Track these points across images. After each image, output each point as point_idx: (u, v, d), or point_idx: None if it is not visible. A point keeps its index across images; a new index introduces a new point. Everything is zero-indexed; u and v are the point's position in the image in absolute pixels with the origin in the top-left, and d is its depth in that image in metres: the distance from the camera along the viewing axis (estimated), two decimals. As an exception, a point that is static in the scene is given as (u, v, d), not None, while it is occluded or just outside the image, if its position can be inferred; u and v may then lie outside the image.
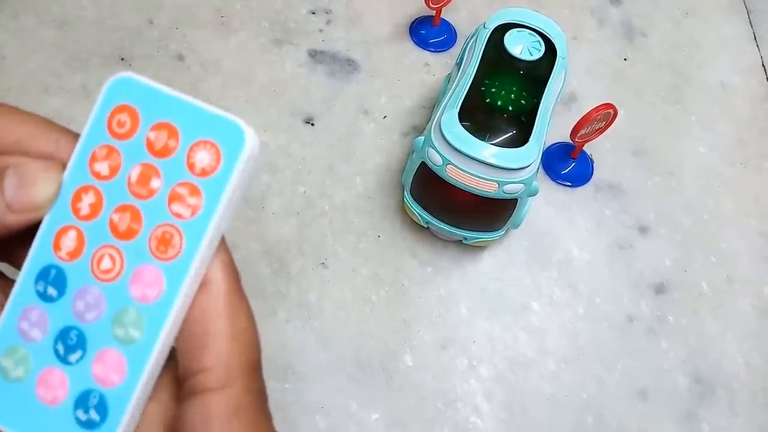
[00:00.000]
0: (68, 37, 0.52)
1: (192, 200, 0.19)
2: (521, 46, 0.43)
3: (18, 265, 0.21)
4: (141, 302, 0.19)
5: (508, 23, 0.44)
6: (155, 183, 0.20)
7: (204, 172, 0.19)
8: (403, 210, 0.48)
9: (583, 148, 0.50)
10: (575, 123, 0.46)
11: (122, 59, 0.51)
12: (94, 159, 0.20)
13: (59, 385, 0.20)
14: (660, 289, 0.47)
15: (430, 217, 0.44)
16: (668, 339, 0.45)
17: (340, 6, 0.57)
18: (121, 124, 0.20)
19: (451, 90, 0.42)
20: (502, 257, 0.47)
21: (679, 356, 0.45)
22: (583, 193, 0.50)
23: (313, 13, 0.56)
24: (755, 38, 0.61)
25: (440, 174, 0.40)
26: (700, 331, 0.46)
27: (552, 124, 0.44)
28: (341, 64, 0.54)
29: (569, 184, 0.50)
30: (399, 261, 0.46)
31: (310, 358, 0.42)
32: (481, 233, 0.44)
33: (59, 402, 0.20)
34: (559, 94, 0.44)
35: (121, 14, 0.54)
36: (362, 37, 0.55)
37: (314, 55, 0.54)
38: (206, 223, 0.19)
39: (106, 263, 0.20)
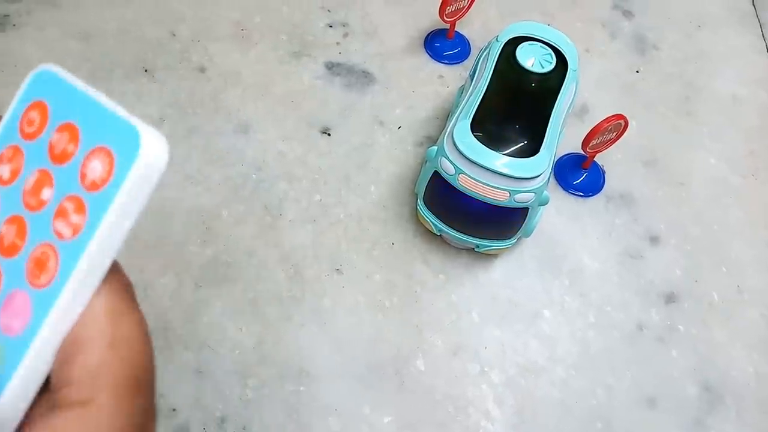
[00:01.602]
0: (93, 49, 0.54)
1: (75, 218, 0.17)
2: (533, 59, 0.44)
3: None
4: (6, 333, 0.17)
5: (520, 36, 0.45)
6: (46, 194, 0.17)
7: (93, 186, 0.17)
8: (416, 218, 0.49)
9: (595, 158, 0.51)
10: (587, 134, 0.46)
11: (145, 70, 0.53)
12: (1, 160, 0.18)
13: None
14: (670, 298, 0.48)
15: (443, 225, 0.45)
16: (678, 348, 0.46)
17: (356, 19, 0.58)
18: (30, 122, 0.18)
19: (463, 101, 0.43)
20: (514, 265, 0.48)
21: (688, 365, 0.45)
22: (594, 203, 0.51)
23: (331, 27, 0.58)
24: (767, 50, 0.61)
25: (453, 183, 0.41)
26: (710, 340, 0.46)
27: (564, 135, 0.45)
28: (357, 76, 0.55)
29: (581, 194, 0.51)
30: (412, 268, 0.47)
31: (324, 361, 0.43)
32: (493, 241, 0.45)
33: None
34: (570, 105, 0.45)
35: (143, 27, 0.56)
36: (378, 50, 0.57)
37: (331, 67, 0.55)
38: (83, 246, 0.16)
39: None
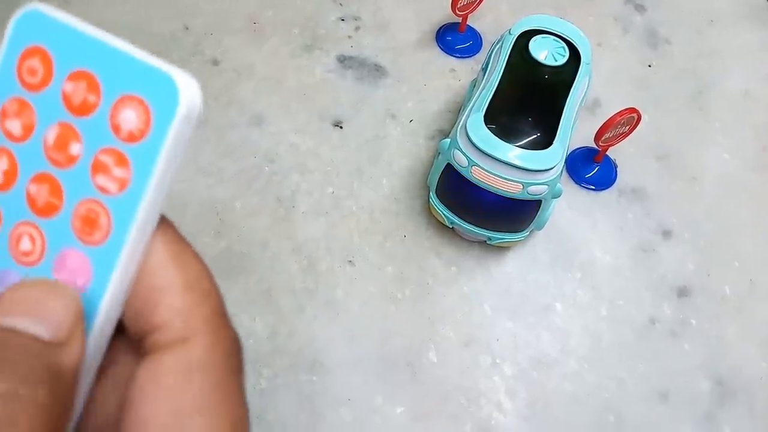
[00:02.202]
0: (108, 42, 0.54)
1: (119, 171, 0.16)
2: (546, 52, 0.44)
3: None
4: None
5: (533, 29, 0.45)
6: (75, 148, 0.17)
7: (132, 137, 0.16)
8: (428, 211, 0.49)
9: (607, 152, 0.51)
10: (599, 127, 0.46)
11: (159, 63, 0.53)
12: (4, 115, 0.17)
13: None
14: (682, 292, 0.48)
15: (455, 217, 0.45)
16: (690, 342, 0.46)
17: (368, 13, 0.58)
18: (32, 72, 0.17)
19: (476, 94, 0.43)
20: (526, 258, 0.48)
21: (700, 359, 0.45)
22: (606, 197, 0.51)
23: (343, 20, 0.58)
24: (780, 46, 0.61)
25: (465, 175, 0.41)
26: (722, 335, 0.46)
27: (576, 128, 0.45)
28: (369, 70, 0.55)
29: (593, 187, 0.51)
30: (424, 260, 0.47)
31: (337, 352, 0.43)
32: (506, 234, 0.45)
33: None
34: (583, 99, 0.45)
35: (156, 20, 0.56)
36: (390, 44, 0.57)
37: (343, 60, 0.56)
38: (137, 200, 0.16)
39: (25, 244, 0.17)
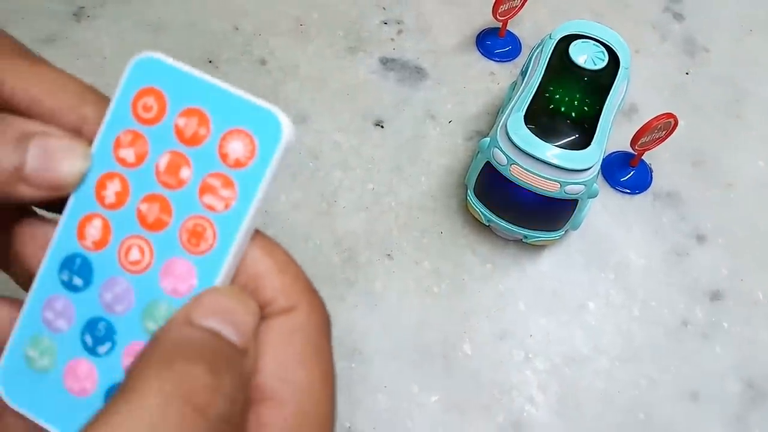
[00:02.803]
0: (161, 40, 0.57)
1: (225, 192, 0.19)
2: (585, 56, 0.45)
3: (27, 255, 0.20)
4: (172, 296, 0.19)
5: (573, 34, 0.47)
6: (185, 173, 0.19)
7: (238, 164, 0.19)
8: (464, 209, 0.50)
9: (643, 157, 0.52)
10: (636, 131, 0.47)
11: (210, 61, 0.56)
12: (118, 144, 0.19)
13: (87, 376, 0.19)
14: (715, 296, 0.48)
15: (492, 215, 0.46)
16: (722, 344, 0.46)
17: (411, 17, 0.60)
18: (147, 108, 0.19)
19: (517, 95, 0.44)
20: (561, 258, 0.49)
21: (732, 361, 0.46)
22: (641, 200, 0.52)
23: (386, 24, 0.60)
24: (820, 56, 0.61)
25: (504, 174, 0.42)
26: (754, 339, 0.47)
27: (612, 133, 0.46)
28: (410, 72, 0.57)
29: (628, 191, 0.52)
30: (460, 257, 0.49)
31: (374, 341, 0.45)
32: (542, 233, 0.46)
33: (88, 393, 0.19)
34: (620, 103, 0.46)
35: (209, 20, 0.58)
36: (431, 47, 0.58)
37: (385, 62, 0.57)
38: (242, 216, 0.19)
39: (134, 254, 0.19)
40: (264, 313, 0.19)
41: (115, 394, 0.16)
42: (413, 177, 0.52)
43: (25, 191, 0.18)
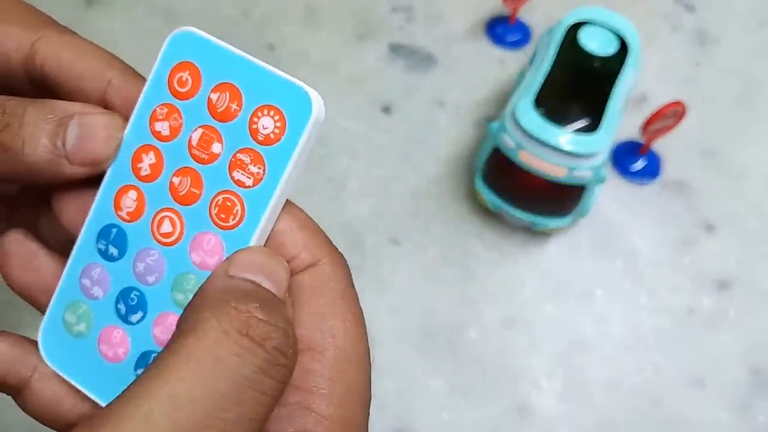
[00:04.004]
0: (173, 25, 0.56)
1: (254, 168, 0.19)
2: (595, 42, 0.45)
3: (67, 221, 0.21)
4: (201, 269, 0.19)
5: (583, 21, 0.46)
6: (216, 148, 0.19)
7: (268, 140, 0.19)
8: (472, 196, 0.50)
9: (652, 147, 0.52)
10: (647, 118, 0.47)
11: (219, 47, 0.56)
12: (154, 118, 0.20)
13: (120, 343, 0.20)
14: (723, 285, 0.48)
15: (500, 201, 0.46)
16: (728, 332, 0.46)
17: (420, 4, 0.60)
18: (182, 83, 0.20)
19: (526, 79, 0.44)
20: (568, 245, 0.49)
21: (738, 349, 0.45)
22: (650, 189, 0.52)
23: (395, 11, 0.60)
24: (832, 48, 0.61)
25: (513, 158, 0.42)
26: (761, 327, 0.46)
27: (622, 122, 0.46)
28: (420, 59, 0.57)
29: (637, 180, 0.52)
30: (467, 243, 0.49)
31: (381, 325, 0.45)
32: (550, 219, 0.46)
33: (121, 359, 0.20)
34: (630, 90, 0.46)
35: (219, 6, 0.59)
36: (440, 34, 0.58)
37: (395, 49, 0.57)
38: (270, 193, 0.19)
39: (166, 227, 0.20)
40: (290, 268, 0.20)
41: (176, 331, 0.17)
42: (421, 163, 0.52)
43: (68, 169, 0.19)
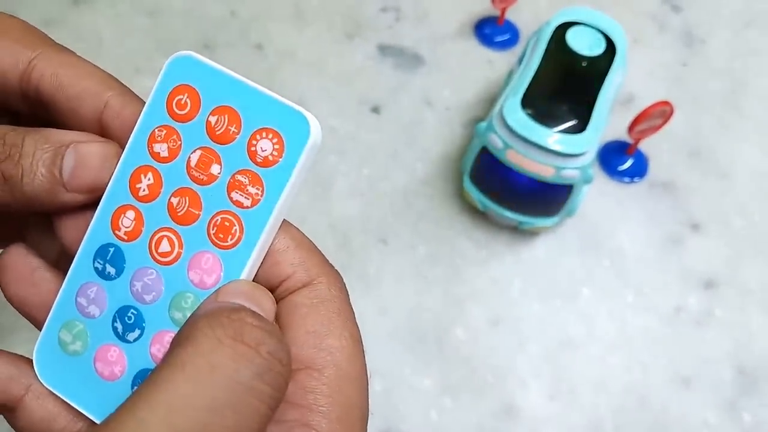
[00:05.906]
0: (159, 24, 0.57)
1: (253, 189, 0.19)
2: (583, 43, 0.45)
3: (68, 241, 0.21)
4: (199, 288, 0.20)
5: (571, 21, 0.47)
6: (215, 169, 0.20)
7: (266, 162, 0.19)
8: (460, 195, 0.50)
9: (639, 147, 0.52)
10: (634, 118, 0.47)
11: (206, 46, 0.56)
12: (153, 139, 0.20)
13: (117, 361, 0.20)
14: (709, 284, 0.48)
15: (488, 201, 0.46)
16: (714, 332, 0.46)
17: (409, 4, 0.60)
18: (181, 105, 0.20)
19: (514, 79, 0.44)
20: (556, 244, 0.49)
21: (724, 348, 0.46)
22: (637, 189, 0.52)
23: (383, 10, 0.60)
24: (817, 49, 0.62)
25: (500, 158, 0.42)
26: (747, 327, 0.47)
27: (610, 122, 0.46)
28: (408, 58, 0.57)
29: (624, 179, 0.52)
30: (455, 243, 0.49)
31: (369, 325, 0.45)
32: (537, 218, 0.46)
33: (117, 378, 0.20)
34: (617, 90, 0.46)
35: (206, 5, 0.58)
36: (429, 34, 0.58)
37: (383, 49, 0.57)
38: (268, 213, 0.19)
39: (164, 246, 0.20)
40: (286, 287, 0.20)
41: (171, 345, 0.18)
42: (409, 163, 0.52)
43: (65, 197, 0.20)
